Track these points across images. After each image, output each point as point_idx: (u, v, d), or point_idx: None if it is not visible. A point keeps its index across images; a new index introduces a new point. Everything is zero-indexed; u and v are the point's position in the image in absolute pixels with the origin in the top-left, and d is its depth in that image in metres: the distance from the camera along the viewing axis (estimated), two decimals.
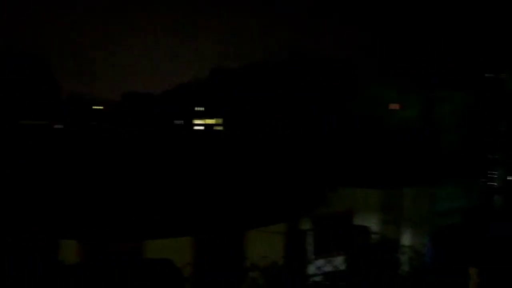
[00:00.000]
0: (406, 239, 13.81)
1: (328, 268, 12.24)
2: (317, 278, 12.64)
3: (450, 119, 13.41)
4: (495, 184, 8.41)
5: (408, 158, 12.97)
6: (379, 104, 14.61)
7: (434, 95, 13.39)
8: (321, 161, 12.65)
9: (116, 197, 10.42)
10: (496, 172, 8.38)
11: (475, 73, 12.15)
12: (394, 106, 14.30)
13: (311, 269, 12.80)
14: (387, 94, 14.50)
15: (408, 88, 14.14)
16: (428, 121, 13.37)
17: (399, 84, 14.42)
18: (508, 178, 10.21)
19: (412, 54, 14.03)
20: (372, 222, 14.11)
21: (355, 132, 13.64)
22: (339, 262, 12.98)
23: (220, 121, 27.47)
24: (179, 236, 10.35)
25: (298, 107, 17.71)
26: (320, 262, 12.73)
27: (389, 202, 14.20)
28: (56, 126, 22.95)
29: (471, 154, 11.45)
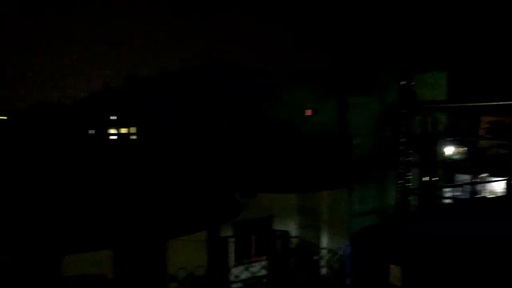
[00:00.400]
0: (325, 241, 14.12)
1: (249, 274, 12.27)
2: (238, 285, 12.65)
3: (364, 124, 13.87)
4: (410, 185, 8.82)
5: (325, 162, 13.27)
6: (295, 109, 14.86)
7: (348, 101, 13.81)
8: (240, 167, 12.67)
9: (29, 212, 9.87)
10: (411, 174, 8.79)
11: (389, 80, 12.65)
12: (309, 112, 14.59)
13: (233, 276, 12.79)
14: (302, 99, 14.78)
15: (323, 94, 14.48)
16: (343, 126, 13.76)
17: (314, 89, 14.75)
18: (423, 179, 10.71)
19: (327, 59, 14.40)
20: (291, 226, 14.32)
21: (273, 138, 13.79)
22: (260, 267, 13.06)
23: (134, 130, 26.95)
24: (98, 249, 9.97)
25: (215, 114, 17.71)
26: (241, 268, 12.74)
27: (307, 206, 14.47)
28: None
29: (387, 157, 11.89)
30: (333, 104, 14.03)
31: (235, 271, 12.94)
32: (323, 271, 13.32)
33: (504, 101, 8.98)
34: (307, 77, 14.60)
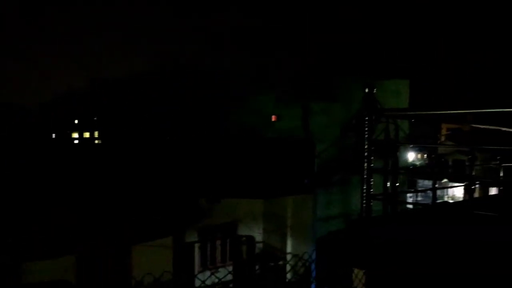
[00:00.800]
0: (290, 246, 14.22)
1: (215, 279, 12.24)
2: None
3: (329, 130, 14.03)
4: (372, 190, 8.94)
5: (289, 168, 13.36)
6: (259, 115, 14.93)
7: (312, 107, 13.95)
8: (205, 173, 12.65)
9: None
10: (373, 180, 8.92)
11: (352, 86, 12.84)
12: (274, 118, 14.67)
13: (198, 281, 12.74)
14: (267, 105, 14.86)
15: (287, 100, 14.59)
16: (307, 132, 13.88)
17: (278, 95, 14.85)
18: (387, 185, 10.92)
19: (290, 66, 14.53)
20: (256, 232, 14.38)
21: (237, 143, 13.83)
22: (225, 272, 13.05)
23: (98, 133, 26.63)
24: (61, 256, 9.82)
25: (180, 119, 17.64)
26: (207, 273, 12.72)
27: (272, 211, 14.55)
28: None
29: (350, 162, 12.05)
30: (297, 110, 14.15)
31: (200, 276, 12.91)
32: (288, 276, 13.40)
33: (462, 110, 9.22)
34: (271, 83, 14.70)
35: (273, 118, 14.46)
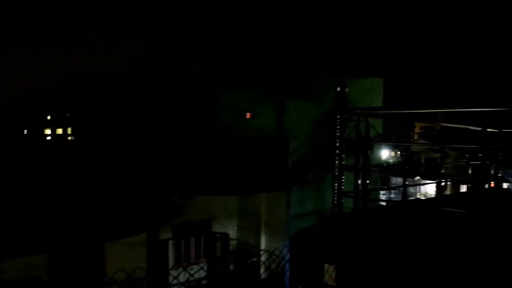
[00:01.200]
0: (264, 243, 14.30)
1: (189, 277, 12.27)
2: (178, 287, 12.61)
3: (302, 128, 14.13)
4: (344, 188, 9.11)
5: (263, 165, 13.44)
6: (234, 112, 14.95)
7: (287, 105, 14.03)
8: (179, 170, 12.65)
9: None
10: (344, 177, 9.09)
11: (325, 85, 12.95)
12: (248, 115, 14.71)
13: (172, 278, 12.74)
14: (241, 102, 14.89)
15: (261, 97, 14.63)
16: (281, 129, 13.96)
17: (253, 92, 14.88)
18: (358, 182, 11.06)
19: (264, 63, 14.58)
20: (230, 229, 14.43)
21: (212, 140, 13.84)
22: (199, 269, 13.07)
23: (71, 130, 26.35)
24: (32, 254, 9.74)
25: (154, 116, 17.58)
26: (181, 270, 12.72)
27: (246, 208, 14.62)
28: None
29: (324, 160, 12.18)
30: (271, 107, 14.21)
31: (174, 273, 12.91)
32: (262, 272, 13.48)
33: (432, 109, 9.42)
34: (247, 81, 14.72)
35: (248, 115, 14.50)
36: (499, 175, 12.12)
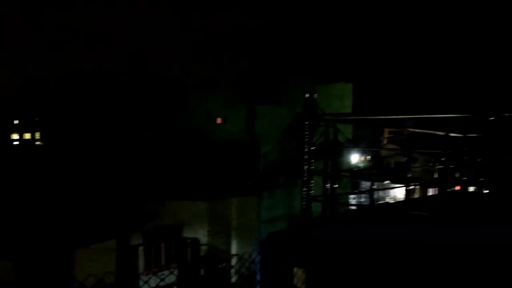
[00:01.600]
0: (235, 248, 14.31)
1: (159, 282, 12.21)
2: None
3: (273, 133, 14.21)
4: (312, 192, 9.21)
5: (234, 170, 13.48)
6: (206, 118, 14.97)
7: (257, 110, 14.11)
8: (150, 175, 12.61)
9: None
10: (313, 182, 9.19)
11: (295, 91, 13.07)
12: (220, 120, 14.74)
13: (143, 283, 12.67)
14: (213, 108, 14.92)
15: (232, 103, 14.69)
16: (252, 135, 14.03)
17: (224, 98, 14.93)
18: (326, 187, 11.17)
19: (235, 69, 14.65)
20: (201, 234, 14.40)
21: (183, 146, 13.83)
22: (170, 275, 13.02)
23: (39, 134, 25.98)
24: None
25: (125, 121, 17.44)
26: (151, 276, 12.65)
27: (217, 213, 14.61)
28: None
29: (294, 165, 12.28)
30: (242, 112, 14.28)
31: (145, 279, 12.83)
32: (233, 277, 13.49)
33: (399, 115, 9.61)
34: (217, 86, 14.78)
35: (219, 120, 14.53)
36: (464, 178, 12.39)
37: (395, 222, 8.85)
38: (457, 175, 12.40)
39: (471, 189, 14.02)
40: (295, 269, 8.13)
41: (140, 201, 12.52)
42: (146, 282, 12.27)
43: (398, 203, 16.05)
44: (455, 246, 6.95)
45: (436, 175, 13.44)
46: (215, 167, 12.96)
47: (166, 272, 13.15)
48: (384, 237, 7.72)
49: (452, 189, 13.04)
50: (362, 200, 22.50)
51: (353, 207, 15.27)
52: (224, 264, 13.90)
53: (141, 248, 13.25)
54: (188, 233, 14.15)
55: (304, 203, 9.10)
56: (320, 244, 7.91)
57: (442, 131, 11.69)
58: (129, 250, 12.87)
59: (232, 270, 13.24)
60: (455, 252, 6.86)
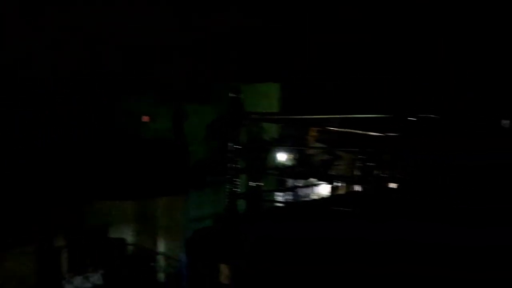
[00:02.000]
0: (162, 247, 14.26)
1: (85, 284, 12.00)
2: None
3: (200, 131, 14.25)
4: (238, 190, 9.37)
5: (161, 169, 13.42)
6: (131, 116, 14.78)
7: (183, 108, 14.09)
8: (74, 175, 12.33)
9: None
10: (238, 180, 9.33)
11: (222, 89, 13.17)
12: (146, 118, 14.58)
13: (67, 286, 12.40)
14: (139, 106, 14.75)
15: (160, 101, 14.58)
16: (178, 133, 14.01)
17: (151, 96, 14.79)
18: (251, 184, 11.35)
19: (165, 67, 14.54)
20: (128, 234, 14.25)
21: (108, 144, 13.61)
22: (96, 276, 12.82)
23: None
24: None
25: (47, 121, 16.88)
26: (76, 278, 12.40)
27: (144, 212, 14.50)
28: None
29: (221, 163, 12.37)
30: (170, 111, 14.22)
31: (69, 281, 12.56)
32: (160, 277, 13.46)
33: (325, 115, 9.94)
34: (144, 84, 14.61)
35: (145, 118, 14.38)
36: (383, 176, 12.91)
37: (323, 218, 9.09)
38: (377, 172, 12.91)
39: (392, 185, 14.64)
40: (221, 266, 8.24)
41: (64, 202, 12.23)
42: (70, 284, 12.03)
43: (323, 199, 16.48)
44: (383, 241, 7.18)
45: (357, 172, 13.90)
46: (141, 166, 12.85)
47: (91, 274, 12.92)
48: (314, 233, 7.91)
49: (372, 185, 13.56)
50: (288, 197, 22.90)
51: (280, 204, 15.56)
52: (153, 264, 13.84)
53: (65, 250, 12.95)
54: (114, 234, 13.96)
55: (230, 201, 9.23)
56: (251, 241, 8.04)
57: (364, 130, 12.14)
58: (53, 252, 12.56)
59: (160, 269, 13.20)
60: (384, 246, 7.09)
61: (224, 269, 8.24)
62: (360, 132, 12.89)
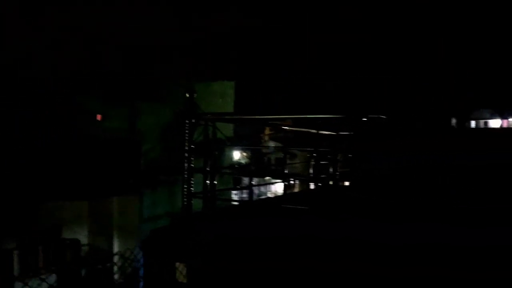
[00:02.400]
0: (117, 247, 14.13)
1: (37, 286, 11.77)
2: None
3: (154, 130, 14.19)
4: (193, 189, 9.47)
5: (114, 168, 13.29)
6: (83, 115, 14.53)
7: (139, 107, 14.00)
8: (24, 175, 12.07)
9: None
10: (193, 179, 9.45)
11: (176, 89, 13.18)
12: (99, 117, 14.37)
13: None
14: (93, 104, 14.52)
15: (113, 99, 14.39)
16: (133, 132, 13.91)
17: (105, 94, 14.58)
18: (206, 182, 11.46)
19: (118, 64, 14.39)
20: (82, 234, 14.05)
21: (59, 144, 13.37)
22: (49, 279, 12.59)
23: None
24: None
25: (6, 121, 16.41)
26: (28, 281, 12.14)
27: (98, 212, 14.33)
28: None
29: (176, 162, 12.41)
30: (125, 109, 14.08)
31: (21, 284, 12.29)
32: (116, 277, 13.32)
33: (279, 115, 10.17)
34: (98, 83, 14.40)
35: (98, 117, 14.16)
36: (337, 174, 13.27)
37: (279, 216, 9.27)
38: (331, 170, 13.25)
39: (346, 183, 15.00)
40: (177, 264, 8.30)
41: (13, 202, 11.96)
42: (25, 286, 11.78)
43: (278, 198, 16.74)
44: (338, 239, 7.37)
45: (311, 171, 14.22)
46: (94, 166, 12.69)
47: (44, 276, 12.68)
48: (271, 231, 8.05)
49: (327, 183, 13.88)
50: (244, 196, 23.10)
51: (235, 203, 15.69)
52: (109, 264, 13.70)
53: (15, 252, 12.65)
54: (67, 234, 13.74)
55: (185, 199, 9.30)
56: (208, 239, 8.12)
57: (316, 129, 12.42)
58: (2, 255, 12.25)
59: (115, 269, 13.07)
60: (339, 244, 7.27)
61: (180, 267, 8.31)
62: (314, 131, 13.18)
